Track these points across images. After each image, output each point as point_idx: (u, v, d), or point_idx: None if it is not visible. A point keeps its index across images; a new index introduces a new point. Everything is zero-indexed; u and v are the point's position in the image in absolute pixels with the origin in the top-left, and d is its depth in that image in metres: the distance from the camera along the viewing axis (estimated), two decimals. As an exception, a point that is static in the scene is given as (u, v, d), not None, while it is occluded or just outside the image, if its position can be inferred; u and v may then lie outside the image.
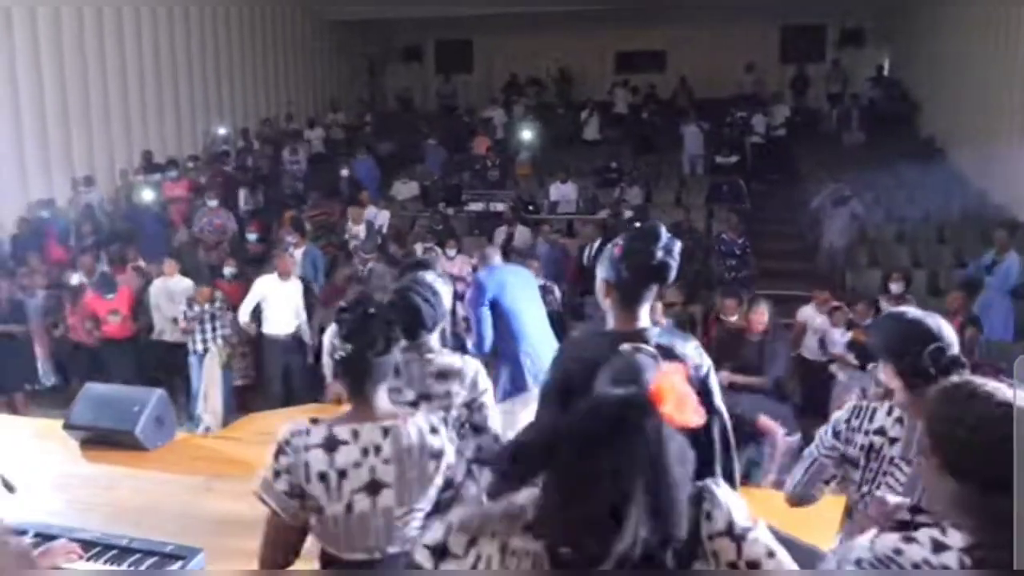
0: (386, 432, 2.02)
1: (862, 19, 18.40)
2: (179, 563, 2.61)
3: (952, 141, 13.32)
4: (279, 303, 7.08)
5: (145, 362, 7.86)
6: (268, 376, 7.25)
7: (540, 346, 4.19)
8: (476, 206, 11.21)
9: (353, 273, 7.61)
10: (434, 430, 2.08)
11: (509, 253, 9.01)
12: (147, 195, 10.68)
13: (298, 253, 8.90)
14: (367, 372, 2.03)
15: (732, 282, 8.36)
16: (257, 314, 7.23)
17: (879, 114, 14.81)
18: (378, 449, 2.00)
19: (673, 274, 2.23)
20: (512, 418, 4.18)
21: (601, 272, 2.31)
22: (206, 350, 7.24)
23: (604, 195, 12.21)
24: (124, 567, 2.59)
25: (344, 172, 12.39)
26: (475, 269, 4.25)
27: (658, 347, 2.22)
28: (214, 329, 7.20)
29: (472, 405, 2.61)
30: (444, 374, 2.58)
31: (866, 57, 18.30)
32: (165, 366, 7.78)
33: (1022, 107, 10.96)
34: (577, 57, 19.72)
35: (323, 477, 1.98)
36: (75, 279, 8.10)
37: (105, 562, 2.61)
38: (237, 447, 5.73)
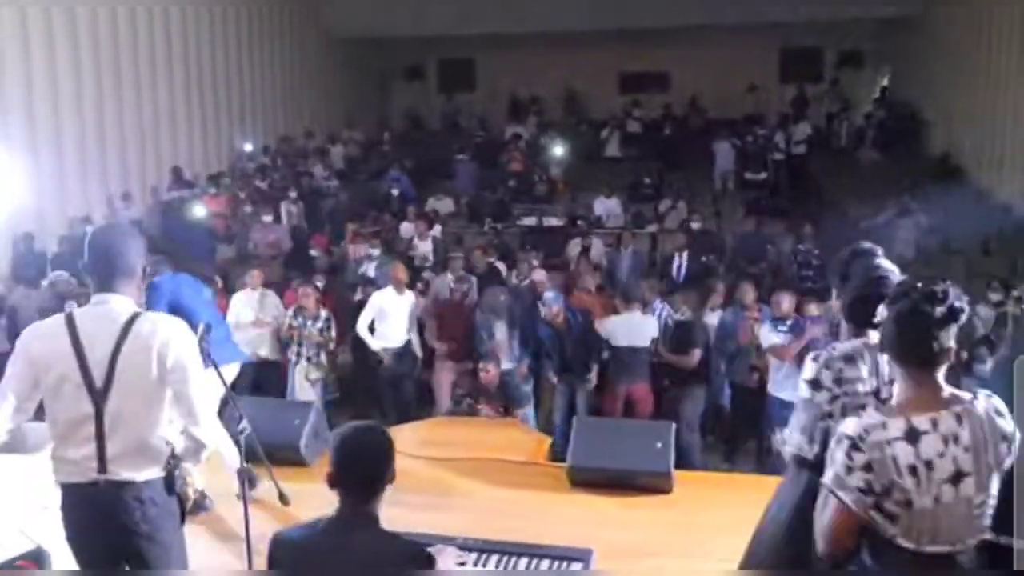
0: (960, 418, 1.99)
1: (859, 42, 18.98)
2: (572, 564, 2.55)
3: (967, 157, 13.78)
4: (395, 316, 6.99)
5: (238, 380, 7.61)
6: (379, 388, 7.11)
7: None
8: (528, 220, 11.21)
9: (468, 289, 7.51)
10: (999, 412, 2.03)
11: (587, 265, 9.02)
12: (198, 211, 10.46)
13: (371, 267, 8.83)
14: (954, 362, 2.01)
15: (809, 291, 8.48)
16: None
17: (890, 132, 15.25)
18: (956, 437, 1.97)
19: None
20: None
21: None
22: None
23: (643, 210, 12.36)
24: (520, 569, 2.52)
25: (392, 188, 12.31)
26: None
27: None
28: (319, 351, 7.05)
29: (879, 395, 2.58)
30: (850, 358, 2.55)
31: (864, 78, 18.93)
32: (258, 384, 7.55)
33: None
34: (580, 77, 19.94)
35: (913, 470, 1.95)
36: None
37: (496, 564, 2.53)
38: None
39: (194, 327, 4.62)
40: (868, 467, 1.96)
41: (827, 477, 2.05)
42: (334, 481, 2.21)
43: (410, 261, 9.66)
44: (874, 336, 2.56)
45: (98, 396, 2.52)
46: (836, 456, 2.03)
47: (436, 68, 21.19)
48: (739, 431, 7.06)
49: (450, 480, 5.17)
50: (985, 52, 13.12)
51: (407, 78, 20.89)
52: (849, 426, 2.03)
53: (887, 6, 15.64)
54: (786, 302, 6.24)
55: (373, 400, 7.37)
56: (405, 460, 5.49)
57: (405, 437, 6.14)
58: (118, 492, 2.54)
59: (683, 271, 8.62)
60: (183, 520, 2.75)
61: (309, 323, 7.04)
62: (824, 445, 2.53)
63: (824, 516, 2.05)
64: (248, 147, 13.98)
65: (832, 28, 17.88)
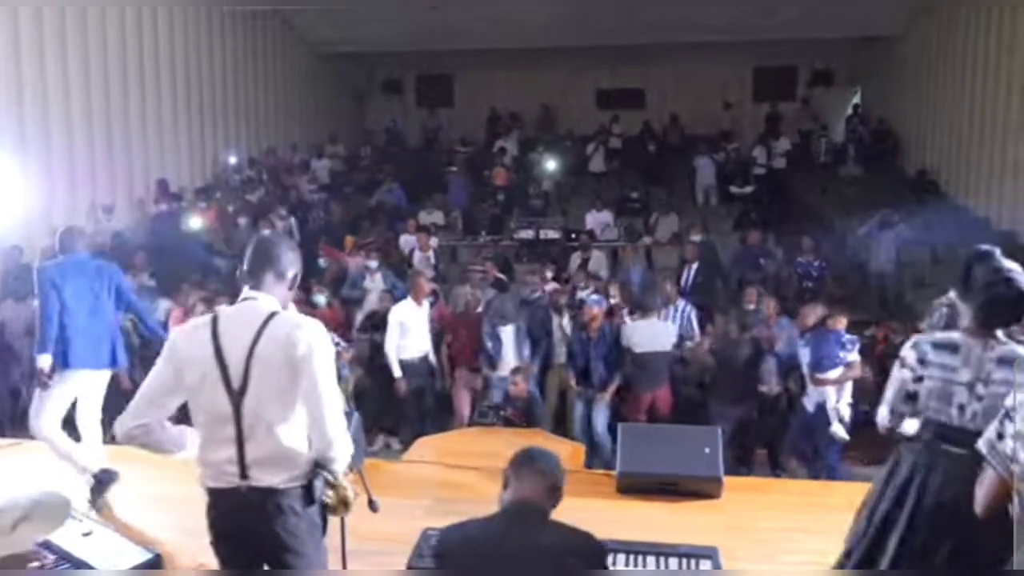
0: None
1: (831, 61, 19.47)
2: (699, 562, 2.54)
3: (942, 173, 14.16)
4: (416, 328, 6.93)
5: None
6: (402, 401, 7.04)
7: (80, 333, 4.44)
8: (525, 234, 11.24)
9: (475, 299, 7.49)
10: None
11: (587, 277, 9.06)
12: (193, 223, 10.28)
13: (378, 277, 8.78)
14: None
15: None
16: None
17: (869, 149, 15.62)
18: None
19: None
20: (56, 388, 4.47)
21: None
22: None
23: (633, 223, 12.48)
24: (651, 569, 2.51)
25: (385, 200, 12.26)
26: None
27: None
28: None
29: (973, 388, 2.66)
30: (1006, 360, 2.62)
31: (834, 96, 19.39)
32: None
33: (1015, 139, 11.84)
34: (558, 93, 20.13)
35: None
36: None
37: (625, 564, 2.52)
38: (429, 470, 5.54)
39: (64, 316, 4.38)
40: (1016, 436, 2.10)
41: (980, 442, 2.22)
42: (509, 480, 2.38)
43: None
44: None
45: (236, 397, 2.48)
46: (991, 424, 2.21)
47: (414, 83, 21.22)
48: (755, 438, 7.11)
49: (496, 490, 5.12)
50: (960, 72, 13.54)
51: (385, 93, 20.86)
52: (1009, 400, 2.18)
53: (866, 26, 16.04)
54: (812, 315, 6.29)
55: (389, 412, 7.28)
56: (445, 471, 5.48)
57: (437, 447, 6.09)
58: (261, 499, 2.49)
59: (690, 282, 8.74)
60: (325, 531, 2.69)
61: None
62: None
63: (982, 480, 2.23)
64: (233, 160, 13.82)
65: (805, 47, 18.30)
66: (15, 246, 9.71)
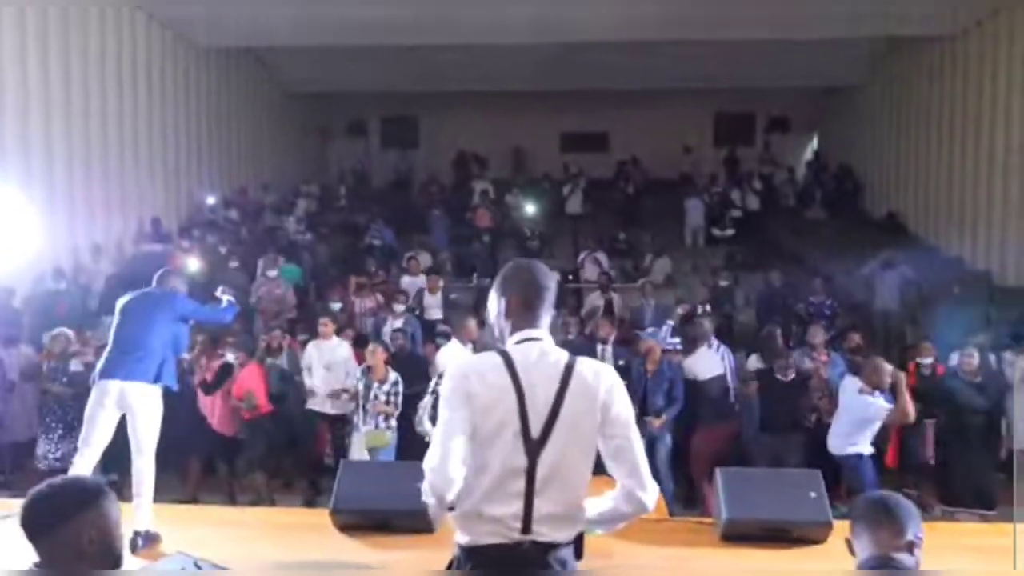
0: None
1: (788, 108, 20.17)
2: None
3: (910, 216, 14.69)
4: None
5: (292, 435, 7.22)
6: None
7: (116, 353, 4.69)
8: (524, 277, 11.08)
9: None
10: None
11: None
12: (192, 265, 9.83)
13: (399, 322, 8.56)
14: None
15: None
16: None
17: (834, 193, 16.13)
18: None
19: None
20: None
21: None
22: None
23: (623, 265, 12.54)
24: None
25: (374, 241, 12.02)
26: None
27: None
28: (385, 418, 6.62)
29: None
30: None
31: (791, 142, 20.10)
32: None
33: (986, 180, 12.39)
34: (523, 135, 20.25)
35: None
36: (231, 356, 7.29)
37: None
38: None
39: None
40: None
41: None
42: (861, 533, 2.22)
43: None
44: None
45: (533, 447, 2.26)
46: None
47: (379, 124, 21.09)
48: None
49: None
50: (925, 116, 14.13)
51: (350, 134, 20.67)
52: None
53: (826, 77, 16.67)
54: (886, 375, 5.77)
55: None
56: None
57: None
58: (540, 555, 2.27)
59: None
60: None
61: (375, 386, 6.59)
62: None
63: None
64: (210, 200, 13.42)
65: (765, 95, 18.93)
66: (7, 288, 9.18)
